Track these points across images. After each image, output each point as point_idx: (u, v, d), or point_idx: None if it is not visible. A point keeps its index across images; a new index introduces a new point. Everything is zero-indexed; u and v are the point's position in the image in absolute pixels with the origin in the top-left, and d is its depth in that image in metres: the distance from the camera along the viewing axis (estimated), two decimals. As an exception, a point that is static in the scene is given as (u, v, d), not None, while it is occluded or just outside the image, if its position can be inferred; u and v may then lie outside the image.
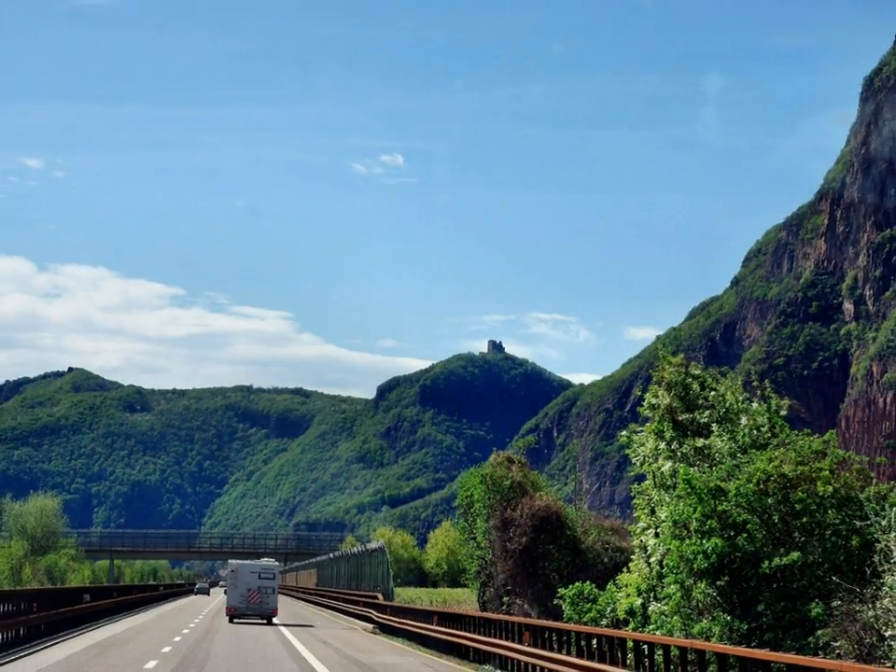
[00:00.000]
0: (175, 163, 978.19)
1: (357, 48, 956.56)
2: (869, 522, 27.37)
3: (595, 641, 29.43)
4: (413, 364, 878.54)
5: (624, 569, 39.18)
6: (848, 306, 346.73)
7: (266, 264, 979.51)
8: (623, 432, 40.30)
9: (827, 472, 29.12)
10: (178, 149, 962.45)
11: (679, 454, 35.24)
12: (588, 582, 42.42)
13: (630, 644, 27.52)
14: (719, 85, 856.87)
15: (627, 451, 39.13)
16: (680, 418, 36.27)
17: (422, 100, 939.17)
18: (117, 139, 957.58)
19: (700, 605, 29.67)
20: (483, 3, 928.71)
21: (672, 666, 24.76)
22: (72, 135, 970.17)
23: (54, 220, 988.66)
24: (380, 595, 75.82)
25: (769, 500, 29.08)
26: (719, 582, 28.96)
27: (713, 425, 35.62)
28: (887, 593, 24.18)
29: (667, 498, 33.81)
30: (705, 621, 29.01)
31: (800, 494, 28.83)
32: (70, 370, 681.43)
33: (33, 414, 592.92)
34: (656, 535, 34.92)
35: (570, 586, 42.54)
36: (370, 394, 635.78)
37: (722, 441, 34.32)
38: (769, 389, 36.17)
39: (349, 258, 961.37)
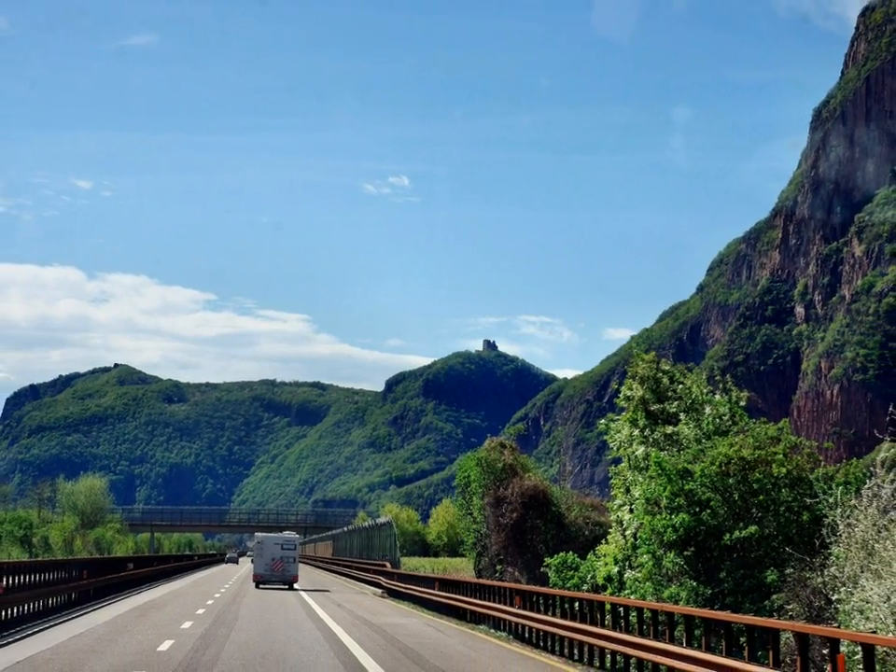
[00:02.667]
0: (208, 184, 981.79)
1: (368, 82, 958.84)
2: (818, 499, 27.35)
3: (577, 604, 29.42)
4: (417, 361, 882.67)
5: (603, 541, 39.16)
6: (800, 310, 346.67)
7: (288, 273, 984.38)
8: (602, 421, 40.31)
9: (781, 456, 29.11)
10: (210, 172, 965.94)
11: (650, 439, 35.22)
12: (571, 553, 42.38)
13: (608, 607, 27.49)
14: (686, 115, 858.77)
15: (605, 437, 39.13)
16: (652, 408, 36.24)
17: (425, 128, 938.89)
18: (157, 163, 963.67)
19: (669, 572, 29.65)
20: (479, 43, 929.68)
21: (645, 626, 24.74)
22: (118, 160, 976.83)
23: (102, 234, 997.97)
24: (388, 564, 75.67)
25: (730, 480, 29.06)
26: (686, 553, 28.95)
27: (681, 414, 35.60)
28: (833, 562, 24.15)
29: (641, 479, 33.81)
30: (673, 586, 28.99)
31: (757, 475, 28.82)
32: (116, 366, 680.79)
33: (83, 405, 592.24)
34: (631, 511, 34.91)
35: (555, 556, 42.51)
36: (379, 387, 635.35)
37: (689, 428, 34.31)
38: (730, 383, 36.16)
39: (360, 267, 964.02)
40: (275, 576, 68.39)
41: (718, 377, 37.13)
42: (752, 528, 27.89)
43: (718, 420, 34.27)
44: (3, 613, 31.41)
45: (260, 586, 67.40)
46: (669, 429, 34.84)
